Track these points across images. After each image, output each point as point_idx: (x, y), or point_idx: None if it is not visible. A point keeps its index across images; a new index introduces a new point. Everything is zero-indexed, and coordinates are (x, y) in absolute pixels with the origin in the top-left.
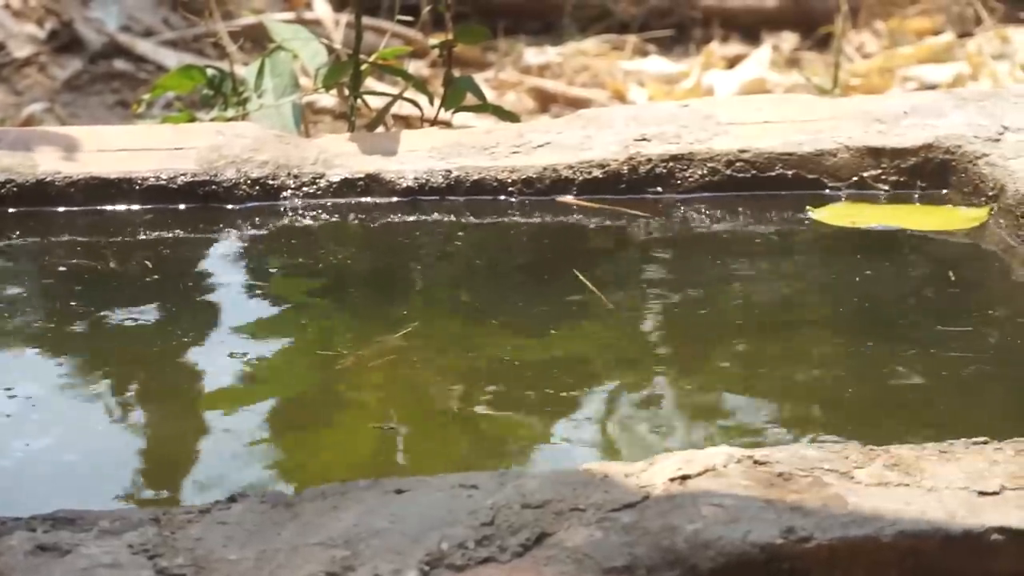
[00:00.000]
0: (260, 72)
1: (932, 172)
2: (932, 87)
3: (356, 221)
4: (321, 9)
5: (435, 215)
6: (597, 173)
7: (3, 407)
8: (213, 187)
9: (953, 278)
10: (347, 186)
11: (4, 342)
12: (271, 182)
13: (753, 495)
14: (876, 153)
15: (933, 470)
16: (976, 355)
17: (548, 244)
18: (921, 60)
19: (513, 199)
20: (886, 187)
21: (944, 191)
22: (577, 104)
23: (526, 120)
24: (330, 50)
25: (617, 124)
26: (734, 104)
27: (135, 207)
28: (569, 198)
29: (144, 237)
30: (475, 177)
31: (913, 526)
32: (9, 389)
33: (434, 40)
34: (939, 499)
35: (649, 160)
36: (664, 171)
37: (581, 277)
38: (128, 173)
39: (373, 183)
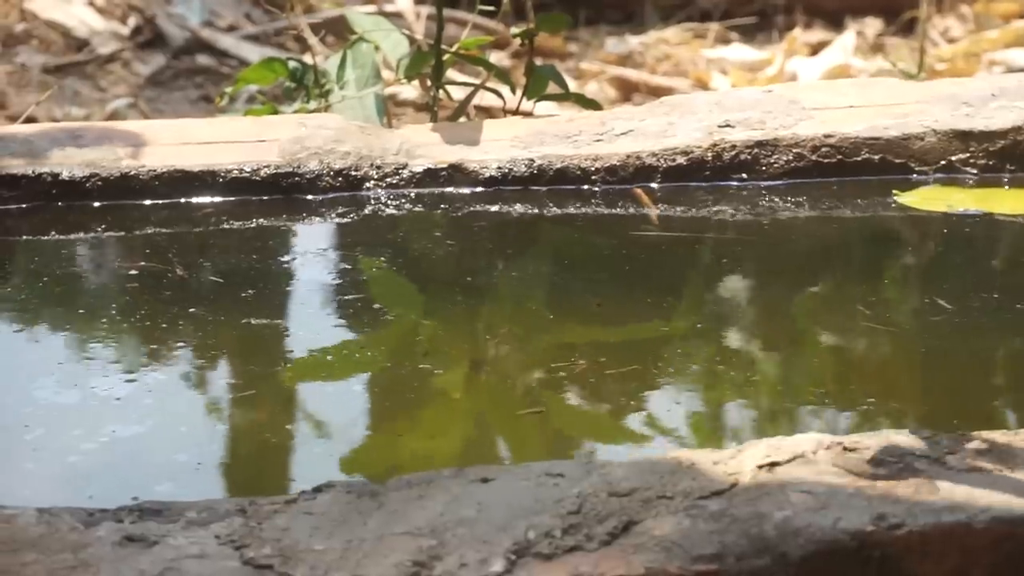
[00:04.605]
0: (342, 64)
1: (1021, 155)
2: (1020, 71)
3: (439, 211)
4: (402, 1)
5: (518, 205)
6: (681, 160)
7: (117, 391)
8: (296, 179)
9: None
10: (430, 176)
11: (113, 330)
12: (354, 173)
13: (843, 482)
14: (964, 136)
15: None
16: None
17: (627, 234)
18: (1008, 44)
19: (596, 188)
20: (974, 171)
21: None
22: (659, 93)
23: (608, 109)
24: (411, 41)
25: (700, 111)
26: (819, 89)
27: (218, 199)
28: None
29: (228, 229)
30: (558, 166)
31: (1007, 512)
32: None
33: (515, 30)
34: None
35: (733, 146)
36: (748, 157)
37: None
38: (211, 166)
39: (456, 173)
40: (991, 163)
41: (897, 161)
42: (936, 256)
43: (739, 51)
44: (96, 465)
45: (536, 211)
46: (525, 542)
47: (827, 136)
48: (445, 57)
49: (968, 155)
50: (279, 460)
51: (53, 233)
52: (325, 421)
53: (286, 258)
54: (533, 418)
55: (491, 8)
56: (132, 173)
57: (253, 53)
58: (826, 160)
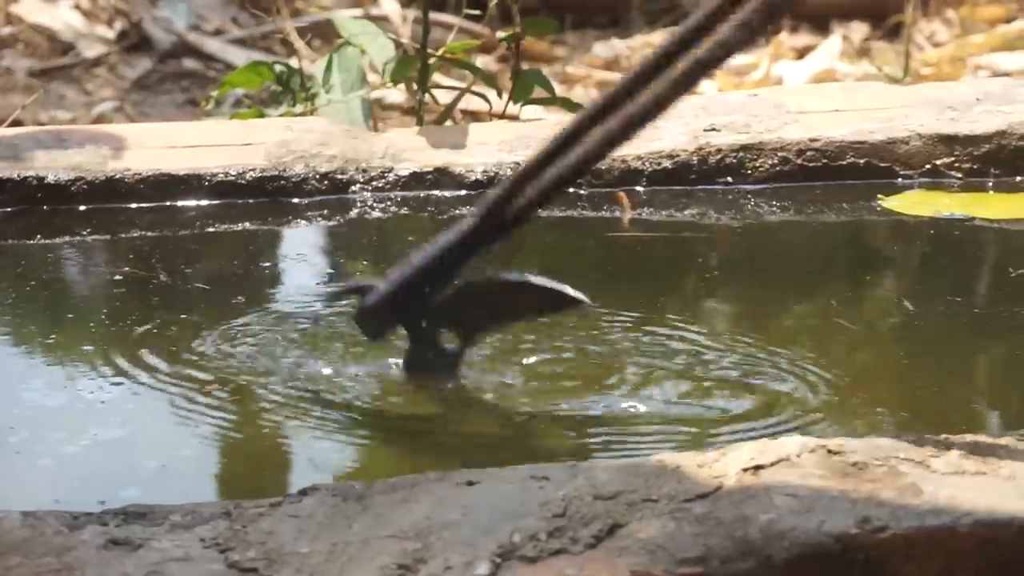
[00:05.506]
0: (328, 68)
1: (1006, 159)
2: (1005, 75)
3: (425, 214)
4: (389, 5)
5: None
6: (667, 164)
7: (101, 395)
8: (282, 182)
9: None
10: (416, 180)
11: (98, 335)
12: (339, 176)
13: (828, 485)
14: (949, 141)
15: (1011, 458)
16: None
17: (612, 236)
18: (993, 48)
19: (583, 191)
20: (959, 175)
21: (1018, 178)
22: None
23: None
24: (398, 45)
25: (686, 114)
26: (804, 93)
27: (204, 202)
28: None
29: (214, 232)
30: None
31: (990, 515)
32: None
33: (502, 34)
34: (1017, 488)
35: (719, 150)
36: (734, 161)
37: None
38: (197, 169)
39: (442, 176)
40: (975, 167)
41: (882, 165)
42: (913, 260)
43: None
44: (78, 468)
45: None
46: (510, 545)
47: (812, 140)
48: (431, 61)
49: (953, 159)
50: (267, 465)
51: (39, 237)
52: (317, 427)
53: (271, 262)
54: (529, 422)
55: (477, 12)
56: (118, 176)
57: (239, 57)
58: (811, 164)
